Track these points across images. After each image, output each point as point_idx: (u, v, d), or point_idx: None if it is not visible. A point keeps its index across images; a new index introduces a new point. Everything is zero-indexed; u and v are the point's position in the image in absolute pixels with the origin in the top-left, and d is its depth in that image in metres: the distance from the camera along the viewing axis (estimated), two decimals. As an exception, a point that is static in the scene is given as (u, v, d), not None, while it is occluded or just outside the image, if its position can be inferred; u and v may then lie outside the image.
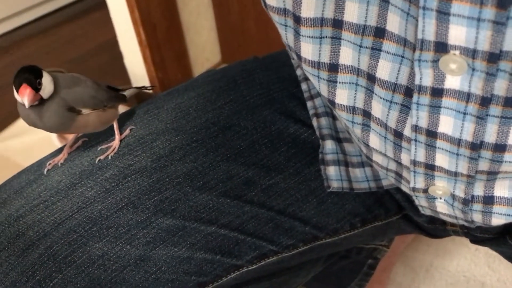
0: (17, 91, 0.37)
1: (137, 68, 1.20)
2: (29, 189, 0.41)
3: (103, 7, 1.14)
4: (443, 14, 0.26)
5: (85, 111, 0.40)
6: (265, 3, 0.35)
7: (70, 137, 0.45)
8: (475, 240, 0.48)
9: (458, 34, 0.27)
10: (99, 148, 0.43)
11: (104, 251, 0.39)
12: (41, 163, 0.44)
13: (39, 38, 1.71)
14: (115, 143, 0.43)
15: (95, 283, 0.38)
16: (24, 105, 0.37)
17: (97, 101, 0.41)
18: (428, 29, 0.27)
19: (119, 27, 1.16)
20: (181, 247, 0.41)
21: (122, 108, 0.46)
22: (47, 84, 0.38)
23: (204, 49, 1.29)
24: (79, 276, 0.38)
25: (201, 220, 0.42)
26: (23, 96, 0.36)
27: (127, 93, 0.46)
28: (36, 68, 0.38)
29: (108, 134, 0.44)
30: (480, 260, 0.82)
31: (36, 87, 0.37)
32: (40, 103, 0.38)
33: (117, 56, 1.22)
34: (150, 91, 1.19)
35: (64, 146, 0.44)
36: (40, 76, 0.37)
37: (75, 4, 1.89)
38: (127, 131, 0.44)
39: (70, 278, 0.38)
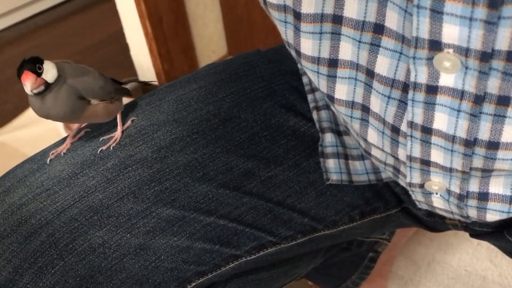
0: (20, 80, 0.37)
1: (143, 60, 1.21)
2: (32, 178, 0.42)
3: (112, -2, 1.15)
4: (437, 13, 0.27)
5: (93, 101, 0.41)
6: (264, 0, 0.36)
7: (75, 127, 0.46)
8: (475, 234, 0.49)
9: (451, 32, 0.27)
10: (101, 139, 0.44)
11: (105, 239, 0.40)
12: (44, 152, 0.45)
13: (47, 29, 1.72)
14: (117, 134, 0.44)
15: (95, 270, 0.39)
16: (33, 95, 0.38)
17: (105, 92, 0.42)
18: (422, 27, 0.28)
19: (126, 19, 1.16)
20: (181, 237, 0.41)
21: (125, 100, 0.46)
22: (49, 69, 0.38)
23: (210, 42, 1.29)
24: (80, 263, 0.39)
25: (200, 211, 0.42)
26: (25, 81, 0.37)
27: (128, 86, 0.47)
28: (37, 57, 0.38)
29: (110, 125, 0.45)
30: (482, 254, 0.82)
31: (36, 71, 0.37)
32: (48, 90, 0.38)
33: (126, 47, 1.23)
34: (156, 83, 1.20)
35: (67, 136, 0.45)
36: (41, 63, 0.38)
37: (84, -5, 1.89)
38: (129, 122, 0.45)
39: (71, 266, 0.38)
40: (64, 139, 0.45)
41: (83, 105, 0.40)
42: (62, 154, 0.44)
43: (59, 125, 1.05)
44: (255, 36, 1.26)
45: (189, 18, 1.20)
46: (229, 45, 1.34)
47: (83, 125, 0.46)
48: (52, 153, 0.43)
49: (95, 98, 0.41)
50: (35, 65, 0.37)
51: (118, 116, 0.45)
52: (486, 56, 0.27)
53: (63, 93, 0.39)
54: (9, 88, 1.41)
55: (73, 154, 0.43)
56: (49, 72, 0.38)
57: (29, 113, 1.26)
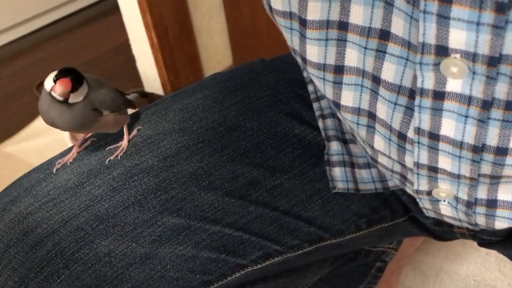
0: (55, 81, 0.37)
1: (149, 71, 1.21)
2: (39, 187, 0.42)
3: (118, 10, 1.15)
4: (443, 18, 0.27)
5: (105, 112, 0.41)
6: (270, 7, 0.36)
7: (81, 137, 0.46)
8: (483, 243, 0.48)
9: (458, 37, 0.27)
10: (107, 148, 0.44)
11: (111, 248, 0.39)
12: (50, 162, 0.45)
13: (55, 41, 1.73)
14: (124, 143, 0.44)
15: (101, 280, 0.39)
16: (50, 99, 0.38)
17: (116, 104, 0.42)
18: (429, 33, 0.28)
19: (132, 31, 1.17)
20: (186, 246, 0.41)
21: (129, 110, 0.47)
22: (81, 92, 0.39)
23: (215, 52, 1.30)
24: (86, 272, 0.38)
25: (206, 220, 0.42)
26: (61, 85, 0.37)
27: (130, 97, 0.47)
28: (81, 75, 0.39)
29: (116, 134, 0.45)
30: (491, 264, 0.81)
31: (74, 86, 0.38)
32: (65, 103, 0.39)
33: (131, 59, 1.24)
34: (162, 94, 1.20)
35: (74, 145, 0.45)
36: (81, 83, 0.38)
37: (90, 8, 1.91)
38: (134, 132, 0.45)
39: (77, 275, 0.38)
40: (71, 149, 0.45)
41: (96, 116, 0.41)
42: (68, 163, 0.44)
43: (65, 136, 1.06)
44: (260, 47, 1.27)
45: (194, 29, 1.21)
46: (234, 56, 1.34)
47: (89, 135, 0.46)
48: (59, 163, 0.44)
49: (107, 109, 0.41)
50: (75, 82, 0.38)
51: (125, 126, 0.45)
52: (493, 61, 0.27)
53: (79, 107, 0.39)
54: (16, 99, 1.42)
55: (79, 164, 0.43)
56: (80, 95, 0.39)
57: (36, 124, 1.26)
